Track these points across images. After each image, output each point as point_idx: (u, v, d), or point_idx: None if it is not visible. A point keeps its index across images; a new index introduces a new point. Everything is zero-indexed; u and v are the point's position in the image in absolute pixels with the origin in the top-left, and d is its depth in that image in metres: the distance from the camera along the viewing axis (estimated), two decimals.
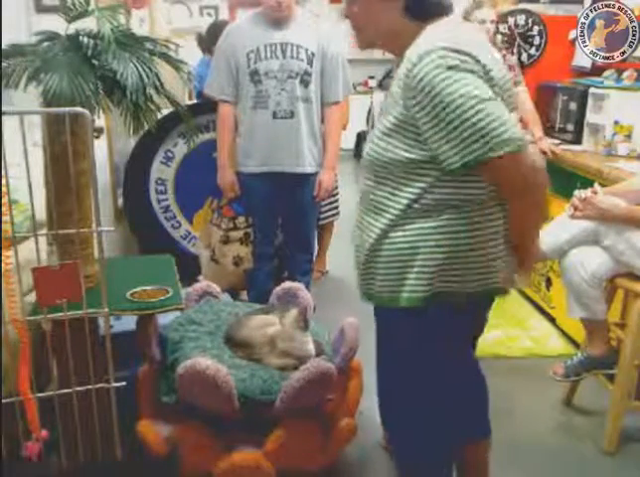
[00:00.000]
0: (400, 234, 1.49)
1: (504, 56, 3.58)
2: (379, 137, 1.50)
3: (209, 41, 3.95)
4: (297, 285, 2.48)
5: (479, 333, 1.75)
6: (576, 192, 2.46)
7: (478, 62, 1.37)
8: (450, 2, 1.52)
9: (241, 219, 3.13)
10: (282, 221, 3.18)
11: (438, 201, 1.45)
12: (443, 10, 1.49)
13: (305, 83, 2.87)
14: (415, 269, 1.48)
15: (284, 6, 2.77)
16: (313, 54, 2.85)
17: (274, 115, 2.86)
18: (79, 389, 1.77)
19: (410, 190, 1.46)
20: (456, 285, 1.49)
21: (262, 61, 2.83)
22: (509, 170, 1.38)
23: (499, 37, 4.00)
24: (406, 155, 1.44)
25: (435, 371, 1.62)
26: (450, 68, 1.34)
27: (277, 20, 2.83)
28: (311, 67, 2.86)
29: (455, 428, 1.72)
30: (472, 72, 1.35)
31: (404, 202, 1.47)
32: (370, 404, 1.77)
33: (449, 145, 1.37)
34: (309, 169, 2.99)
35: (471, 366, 1.80)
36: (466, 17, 3.43)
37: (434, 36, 1.42)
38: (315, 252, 3.68)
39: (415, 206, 1.46)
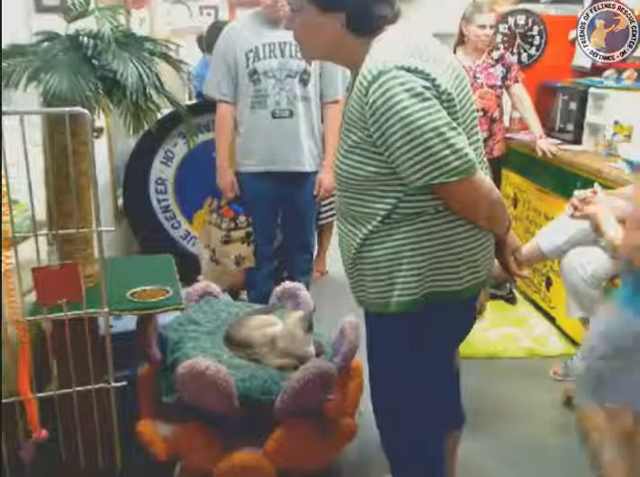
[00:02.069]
0: (382, 241, 1.49)
1: (502, 55, 3.59)
2: (343, 155, 1.50)
3: (209, 41, 3.95)
4: (297, 285, 2.48)
5: (470, 329, 1.76)
6: (576, 192, 2.46)
7: (433, 80, 1.36)
8: (396, 11, 1.49)
9: (242, 218, 3.12)
10: (282, 220, 3.18)
11: (415, 207, 1.46)
12: (388, 22, 1.47)
13: (304, 82, 2.87)
14: (402, 273, 1.48)
15: (280, 5, 2.75)
16: None
17: (273, 115, 2.86)
18: (79, 389, 1.77)
19: (387, 200, 1.46)
20: (447, 283, 1.50)
21: (261, 60, 2.83)
22: (457, 194, 1.43)
23: (499, 37, 4.00)
24: (374, 169, 1.45)
25: (428, 371, 1.63)
26: (405, 91, 1.34)
27: (275, 19, 2.82)
28: (310, 65, 2.85)
29: (443, 422, 1.75)
30: (425, 98, 1.35)
31: (383, 213, 1.48)
32: (370, 404, 1.78)
33: (404, 166, 1.39)
34: (309, 168, 2.98)
35: (453, 359, 1.82)
36: (467, 21, 3.43)
37: (385, 51, 1.41)
38: (315, 253, 3.67)
39: (394, 215, 1.47)
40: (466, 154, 1.37)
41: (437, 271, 1.49)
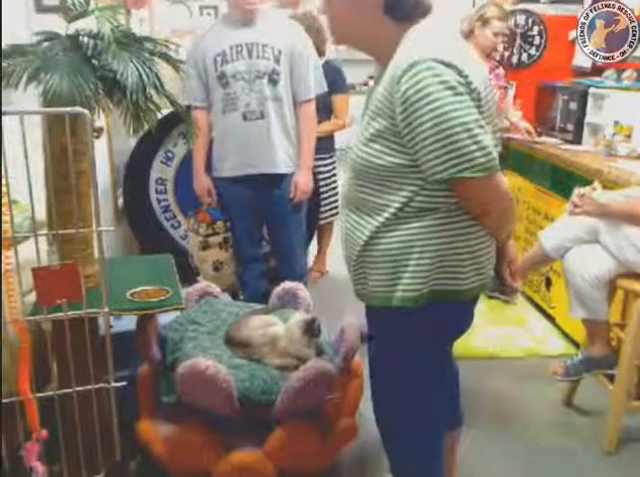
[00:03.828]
0: (393, 234, 1.50)
1: (503, 56, 3.58)
2: (363, 143, 1.50)
3: None
4: (297, 285, 2.48)
5: (465, 330, 1.77)
6: (576, 189, 2.47)
7: (466, 77, 1.37)
8: (430, 3, 1.50)
9: (220, 223, 3.12)
10: (266, 225, 3.11)
11: (430, 202, 1.47)
12: (424, 11, 1.49)
13: (274, 83, 2.82)
14: (410, 268, 1.49)
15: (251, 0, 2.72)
16: (280, 52, 2.79)
17: (244, 117, 2.82)
18: (79, 389, 1.76)
19: (402, 193, 1.47)
20: (452, 282, 1.51)
21: (229, 63, 2.79)
22: (476, 191, 1.43)
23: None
24: (394, 160, 1.45)
25: (427, 367, 1.64)
26: (439, 83, 1.34)
27: (245, 19, 2.78)
28: (279, 65, 2.80)
29: (443, 420, 1.76)
30: (458, 92, 1.36)
31: (396, 205, 1.48)
32: (370, 404, 1.77)
33: (428, 158, 1.39)
34: (284, 169, 2.92)
35: (450, 357, 1.83)
36: (483, 22, 3.41)
37: (421, 42, 1.41)
38: (313, 253, 3.64)
39: (408, 209, 1.48)
40: (491, 152, 1.39)
41: (444, 269, 1.50)
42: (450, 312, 1.57)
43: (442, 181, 1.42)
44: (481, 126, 1.38)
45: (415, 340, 1.59)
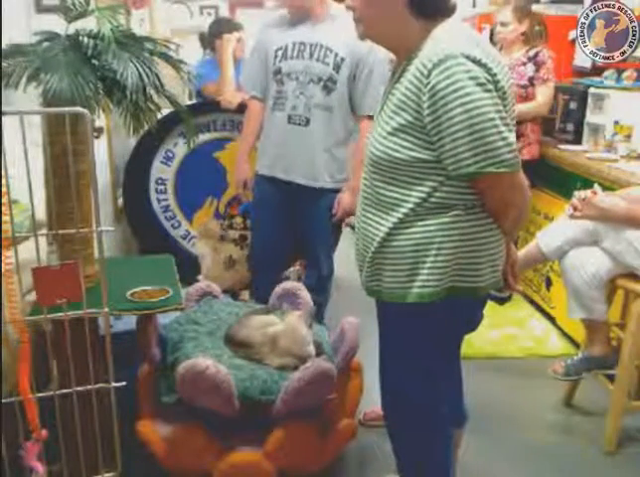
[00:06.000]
0: (411, 230, 1.51)
1: (537, 52, 3.45)
2: (383, 136, 1.50)
3: (210, 37, 3.93)
4: (297, 285, 2.48)
5: (478, 325, 1.77)
6: (576, 192, 2.46)
7: (494, 75, 1.40)
8: (454, 3, 1.52)
9: (239, 220, 3.07)
10: (298, 233, 2.93)
11: (449, 199, 1.48)
12: (448, 10, 1.50)
13: (328, 91, 2.60)
14: (428, 265, 1.50)
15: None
16: (343, 59, 2.58)
17: (289, 119, 2.65)
18: (79, 389, 1.76)
19: (421, 188, 1.48)
20: (468, 279, 1.53)
21: (287, 60, 2.63)
22: (499, 188, 1.46)
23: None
24: (415, 155, 1.46)
25: (438, 364, 1.65)
26: (470, 78, 1.36)
27: (315, 17, 2.62)
28: (337, 73, 2.59)
29: (450, 417, 1.77)
30: (488, 89, 1.38)
31: (415, 200, 1.49)
32: (370, 404, 1.77)
33: (452, 152, 1.41)
34: (324, 184, 2.71)
35: (459, 355, 1.84)
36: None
37: (450, 38, 1.43)
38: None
39: (426, 204, 1.49)
40: (515, 150, 1.42)
41: (461, 266, 1.51)
42: (464, 309, 1.59)
43: (466, 175, 1.43)
44: (506, 124, 1.41)
45: (428, 336, 1.60)
